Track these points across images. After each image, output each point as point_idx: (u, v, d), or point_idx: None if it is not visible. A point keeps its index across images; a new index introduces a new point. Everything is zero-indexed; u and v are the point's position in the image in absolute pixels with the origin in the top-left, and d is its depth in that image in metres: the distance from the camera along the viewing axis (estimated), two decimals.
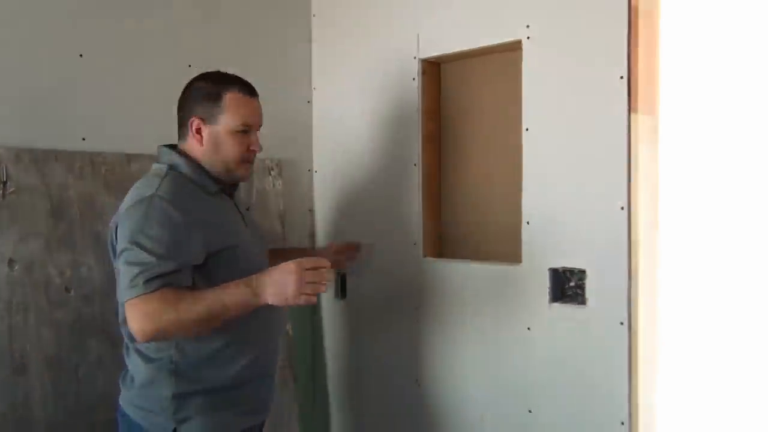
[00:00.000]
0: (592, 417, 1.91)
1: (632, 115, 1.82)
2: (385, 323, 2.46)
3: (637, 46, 1.81)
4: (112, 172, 2.12)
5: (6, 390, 1.87)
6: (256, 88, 1.80)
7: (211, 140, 1.72)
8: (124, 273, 1.56)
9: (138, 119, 2.20)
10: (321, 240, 2.68)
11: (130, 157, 2.16)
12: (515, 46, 2.08)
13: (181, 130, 1.76)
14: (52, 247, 1.98)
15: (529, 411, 2.05)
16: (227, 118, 1.71)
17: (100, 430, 2.04)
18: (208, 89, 1.73)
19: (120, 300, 1.60)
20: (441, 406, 2.28)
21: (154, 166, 1.76)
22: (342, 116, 2.59)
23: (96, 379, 2.04)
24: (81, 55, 2.09)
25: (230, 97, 1.72)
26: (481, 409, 2.17)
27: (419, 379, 2.35)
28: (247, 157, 1.76)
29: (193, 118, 1.72)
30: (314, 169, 2.71)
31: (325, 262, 1.60)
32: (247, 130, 1.74)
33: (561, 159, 1.96)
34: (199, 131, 1.72)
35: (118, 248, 1.60)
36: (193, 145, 1.74)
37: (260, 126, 1.80)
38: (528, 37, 2.02)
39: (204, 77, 1.77)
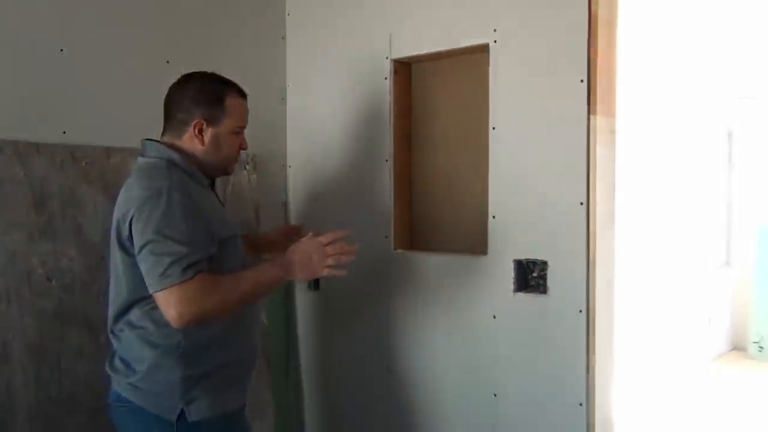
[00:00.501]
0: (553, 399, 2.04)
1: (591, 117, 1.95)
2: (357, 313, 2.55)
3: (596, 52, 1.94)
4: (92, 165, 2.17)
5: None
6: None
7: (213, 141, 1.81)
8: (153, 264, 1.61)
9: (117, 113, 2.25)
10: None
11: (109, 151, 2.21)
12: (483, 49, 2.19)
13: (177, 127, 1.81)
14: (34, 238, 2.03)
15: (494, 395, 2.17)
16: (228, 120, 1.82)
17: (82, 417, 2.09)
18: (209, 93, 1.81)
19: (151, 289, 1.64)
20: (411, 392, 2.39)
21: (143, 159, 1.80)
22: (315, 113, 2.67)
23: (77, 368, 2.09)
24: (62, 50, 2.13)
25: (230, 101, 1.82)
26: (448, 393, 2.28)
27: (390, 366, 2.45)
28: (239, 156, 1.90)
29: (196, 120, 1.79)
30: (288, 164, 2.79)
31: (341, 234, 1.78)
32: (240, 132, 1.87)
33: (525, 157, 2.08)
34: (200, 132, 1.80)
35: (141, 240, 1.64)
36: (191, 144, 1.81)
37: None
38: (495, 41, 2.14)
39: (201, 79, 1.84)
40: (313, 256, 1.75)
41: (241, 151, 1.90)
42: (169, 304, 1.60)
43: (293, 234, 2.36)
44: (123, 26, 2.28)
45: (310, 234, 1.81)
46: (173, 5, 2.41)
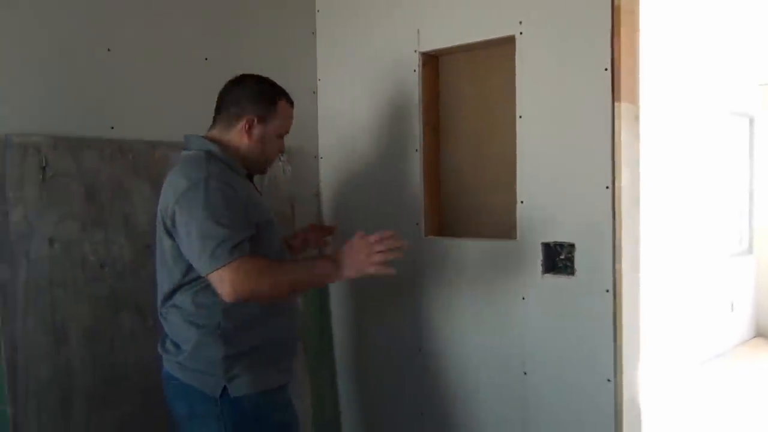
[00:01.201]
0: (581, 376, 2.13)
1: (616, 104, 2.03)
2: (389, 297, 2.65)
3: (620, 41, 2.02)
4: (138, 158, 2.29)
5: (51, 359, 2.05)
6: None
7: (260, 138, 1.92)
8: (201, 247, 1.71)
9: (160, 110, 2.37)
10: (327, 222, 2.87)
11: (153, 145, 2.33)
12: (509, 41, 2.28)
13: (228, 120, 1.92)
14: (87, 228, 2.15)
15: (524, 373, 2.26)
16: (277, 122, 1.95)
17: (135, 398, 2.22)
18: (265, 93, 1.94)
19: (203, 271, 1.73)
20: (442, 371, 2.49)
21: (185, 152, 1.91)
22: (346, 106, 2.77)
23: (129, 350, 2.21)
24: (109, 50, 2.25)
25: (282, 105, 1.96)
26: (480, 372, 2.38)
27: (422, 347, 2.55)
28: (279, 157, 2.06)
29: (249, 116, 1.91)
30: (320, 156, 2.89)
31: (388, 233, 1.84)
32: (283, 135, 2.00)
33: (552, 144, 2.16)
34: (251, 128, 1.91)
35: (185, 227, 1.74)
36: (239, 138, 1.91)
37: None
38: (521, 33, 2.22)
39: (258, 80, 1.96)
40: (361, 254, 1.81)
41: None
42: (224, 280, 1.70)
43: (325, 233, 2.41)
44: (164, 26, 2.39)
45: (361, 233, 1.86)
46: (210, 5, 2.52)
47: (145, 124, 2.33)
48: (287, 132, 2.01)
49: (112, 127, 2.26)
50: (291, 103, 2.00)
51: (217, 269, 1.70)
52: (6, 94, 2.03)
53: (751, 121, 6.79)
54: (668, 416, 4.45)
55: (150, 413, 2.23)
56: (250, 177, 1.99)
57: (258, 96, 1.92)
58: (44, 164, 2.08)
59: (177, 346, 1.86)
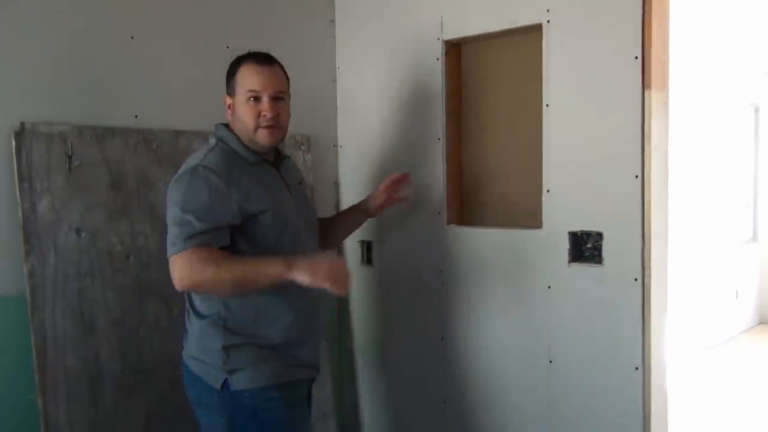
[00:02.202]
0: (608, 364, 2.13)
1: (646, 92, 2.02)
2: (410, 286, 2.65)
3: (650, 29, 2.01)
4: (162, 147, 2.28)
5: (79, 348, 2.04)
6: (276, 58, 1.91)
7: (234, 112, 1.88)
8: (168, 233, 1.74)
9: (183, 98, 2.36)
10: None
11: (177, 134, 2.32)
12: (535, 29, 2.26)
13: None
14: (113, 217, 2.14)
15: (550, 362, 2.26)
16: (239, 88, 1.86)
17: (161, 386, 2.22)
18: (230, 68, 1.91)
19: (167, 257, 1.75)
20: (465, 361, 2.49)
21: (210, 140, 1.92)
22: (365, 94, 2.76)
23: (155, 339, 2.21)
24: (132, 38, 2.23)
25: (242, 70, 1.86)
26: (504, 361, 2.38)
27: (444, 336, 2.55)
28: (262, 123, 1.84)
29: (224, 97, 1.92)
30: (339, 145, 2.88)
31: (342, 263, 1.81)
32: (256, 97, 1.84)
33: (580, 132, 2.16)
34: (230, 107, 1.90)
35: (167, 214, 1.78)
36: (230, 120, 1.92)
37: (277, 91, 1.86)
38: (548, 21, 2.21)
39: (233, 60, 1.93)
40: (320, 267, 1.72)
41: (282, 121, 1.88)
42: (173, 269, 1.71)
43: (399, 185, 2.31)
44: (186, 14, 2.38)
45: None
46: None
47: (168, 112, 2.33)
48: (257, 91, 1.83)
49: (136, 116, 2.25)
50: (259, 60, 1.86)
51: (172, 255, 1.71)
52: (30, 83, 2.03)
53: (757, 110, 6.79)
54: (674, 403, 4.48)
55: (176, 401, 2.22)
56: (277, 163, 1.97)
57: (227, 75, 1.91)
58: (70, 153, 2.06)
59: (190, 334, 1.88)
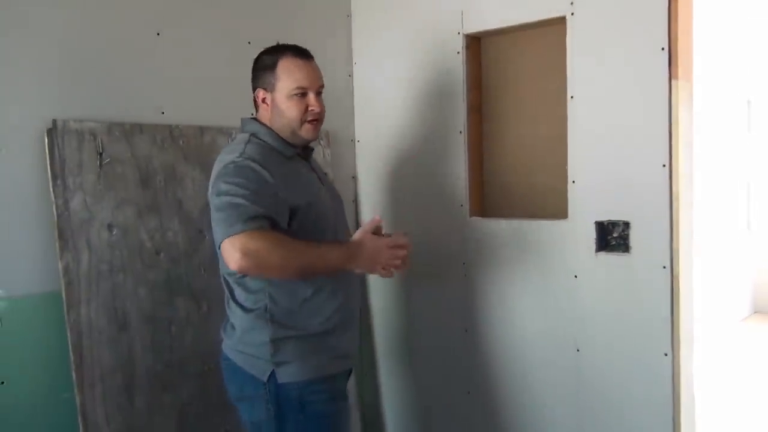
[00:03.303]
0: (637, 351, 2.16)
1: (673, 82, 2.05)
2: (433, 278, 2.67)
3: (677, 20, 2.03)
4: (188, 143, 2.28)
5: (113, 344, 2.04)
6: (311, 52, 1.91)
7: (275, 107, 1.86)
8: (221, 219, 1.68)
9: (207, 94, 2.36)
10: (363, 205, 2.87)
11: (203, 129, 2.32)
12: (558, 21, 2.29)
13: (254, 103, 1.92)
14: (142, 213, 2.14)
15: (577, 350, 2.29)
16: (282, 83, 1.83)
17: (193, 381, 2.22)
18: (264, 61, 1.88)
19: (217, 242, 1.71)
20: (490, 351, 2.52)
21: (238, 135, 1.92)
22: (383, 89, 2.77)
23: (186, 334, 2.21)
24: (158, 34, 2.23)
25: (283, 64, 1.83)
26: (529, 350, 2.40)
27: (468, 328, 2.57)
28: (308, 118, 1.85)
29: (258, 90, 1.89)
30: (357, 139, 2.89)
31: (404, 239, 1.86)
32: (303, 93, 1.84)
33: (605, 123, 2.18)
34: (264, 101, 1.88)
35: (212, 206, 1.74)
36: (264, 115, 1.90)
37: (320, 86, 1.89)
38: (572, 14, 2.23)
39: (263, 51, 1.92)
40: (380, 257, 1.80)
41: (322, 116, 1.90)
42: (234, 247, 1.62)
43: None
44: (210, 11, 2.38)
45: (400, 233, 1.90)
46: None
47: (193, 108, 2.33)
48: (305, 87, 1.84)
49: (163, 112, 2.24)
50: (301, 54, 1.86)
51: (230, 236, 1.64)
52: (59, 81, 2.02)
53: (749, 103, 6.87)
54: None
55: (208, 397, 2.24)
56: (306, 155, 1.97)
57: (259, 68, 1.88)
58: (101, 150, 2.06)
59: (233, 327, 1.86)
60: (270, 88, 1.86)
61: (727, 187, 6.50)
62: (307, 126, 1.86)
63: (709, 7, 4.66)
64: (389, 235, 1.89)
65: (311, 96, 1.85)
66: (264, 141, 1.85)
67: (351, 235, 1.95)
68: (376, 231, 1.86)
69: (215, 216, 1.72)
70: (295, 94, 1.83)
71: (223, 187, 1.71)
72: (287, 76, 1.83)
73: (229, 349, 1.87)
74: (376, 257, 1.80)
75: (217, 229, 1.71)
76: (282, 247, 1.67)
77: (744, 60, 6.34)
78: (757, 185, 6.94)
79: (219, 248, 1.70)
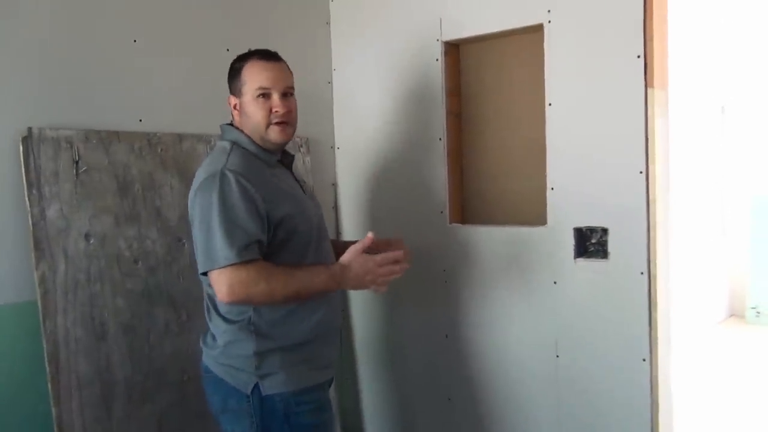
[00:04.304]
0: (615, 356, 2.18)
1: (649, 90, 2.08)
2: (413, 286, 2.66)
3: (651, 28, 2.06)
4: (167, 151, 2.26)
5: (91, 355, 2.02)
6: (278, 54, 1.87)
7: (243, 112, 1.83)
8: (205, 244, 1.67)
9: (185, 101, 2.35)
10: (343, 212, 2.87)
11: (181, 137, 2.30)
12: (535, 29, 2.31)
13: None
14: (120, 222, 2.12)
15: (557, 356, 2.30)
16: (246, 86, 1.81)
17: (172, 391, 2.20)
18: (234, 67, 1.88)
19: (201, 269, 1.72)
20: (471, 357, 2.52)
21: (219, 143, 1.89)
22: (363, 95, 2.78)
23: (165, 343, 2.19)
24: (135, 41, 2.21)
25: (248, 67, 1.83)
26: (510, 356, 2.42)
27: (449, 335, 2.58)
28: (273, 120, 1.81)
29: (229, 97, 1.88)
30: (336, 146, 2.89)
31: (393, 256, 1.80)
32: (266, 94, 1.81)
33: (584, 130, 2.21)
34: (235, 107, 1.87)
35: (196, 221, 1.72)
36: (237, 121, 1.88)
37: (286, 87, 1.84)
38: (549, 21, 2.25)
39: (234, 59, 1.90)
40: (368, 275, 1.77)
41: (292, 117, 1.86)
42: (222, 282, 1.65)
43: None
44: (188, 17, 2.37)
45: (399, 241, 1.93)
46: None
47: (171, 116, 2.32)
48: (267, 88, 1.80)
49: (141, 120, 2.23)
50: (265, 56, 1.84)
51: (217, 269, 1.66)
52: (35, 88, 2.00)
53: (723, 109, 6.98)
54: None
55: (187, 406, 2.22)
56: (288, 163, 1.96)
57: (229, 75, 1.88)
58: (77, 158, 2.04)
59: (214, 339, 1.84)
60: (238, 94, 1.85)
61: (702, 194, 6.59)
62: (273, 128, 1.82)
63: (683, 15, 4.74)
64: (388, 241, 1.92)
65: (275, 97, 1.82)
66: (246, 149, 1.83)
67: (331, 242, 1.97)
68: (374, 246, 1.82)
69: (199, 237, 1.70)
70: (259, 95, 1.81)
71: (206, 205, 1.69)
72: (250, 79, 1.81)
73: (211, 361, 1.84)
74: (365, 278, 1.77)
75: (201, 255, 1.70)
76: (267, 280, 1.67)
77: (718, 66, 6.45)
78: (731, 191, 7.04)
79: (203, 274, 1.72)
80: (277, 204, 1.76)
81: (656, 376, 2.12)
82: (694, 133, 6.32)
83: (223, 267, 1.65)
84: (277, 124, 1.82)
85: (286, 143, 1.90)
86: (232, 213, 1.67)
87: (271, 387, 1.77)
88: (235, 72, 1.86)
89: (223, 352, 1.80)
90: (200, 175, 1.78)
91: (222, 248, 1.65)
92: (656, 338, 2.11)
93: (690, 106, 6.22)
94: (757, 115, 6.86)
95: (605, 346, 2.20)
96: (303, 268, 1.76)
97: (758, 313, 6.76)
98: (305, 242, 1.84)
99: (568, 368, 2.28)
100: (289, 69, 1.90)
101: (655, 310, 2.11)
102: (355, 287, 1.81)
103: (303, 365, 1.83)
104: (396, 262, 1.81)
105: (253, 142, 1.84)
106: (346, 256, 1.78)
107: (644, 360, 2.12)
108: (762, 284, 6.76)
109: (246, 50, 1.92)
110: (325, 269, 1.77)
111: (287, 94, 1.86)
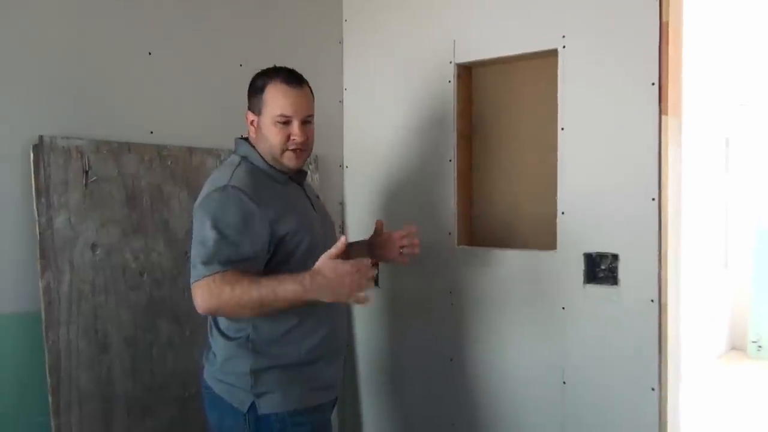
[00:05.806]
0: (623, 385, 2.15)
1: (663, 117, 2.07)
2: (419, 307, 2.64)
3: (667, 56, 2.06)
4: (177, 163, 2.25)
5: (93, 367, 1.99)
6: (303, 76, 1.85)
7: (260, 131, 1.81)
8: (194, 258, 1.67)
9: (197, 115, 2.34)
10: (350, 231, 2.85)
11: (191, 150, 2.29)
12: (549, 54, 2.31)
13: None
14: (127, 234, 2.10)
15: (563, 382, 2.27)
16: (267, 108, 1.79)
17: (173, 406, 2.17)
18: (256, 83, 1.85)
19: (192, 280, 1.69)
20: (475, 381, 2.49)
21: (231, 156, 1.88)
22: (373, 115, 2.77)
23: (167, 358, 2.17)
24: (150, 53, 2.21)
25: (271, 89, 1.79)
26: (515, 382, 2.38)
27: (453, 357, 2.55)
28: (290, 147, 1.80)
29: (248, 113, 1.86)
30: (345, 165, 2.88)
31: (365, 262, 1.69)
32: (287, 121, 1.79)
33: (596, 156, 2.20)
34: (252, 123, 1.84)
35: (193, 235, 1.71)
36: (252, 137, 1.86)
37: (307, 116, 1.83)
38: (564, 47, 2.25)
39: (258, 72, 1.87)
40: (345, 282, 1.65)
41: (308, 145, 1.85)
42: (195, 295, 1.65)
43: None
44: (203, 32, 2.37)
45: (338, 261, 1.68)
46: (245, 14, 2.51)
47: (183, 129, 2.31)
48: (288, 116, 1.78)
49: (152, 132, 2.22)
50: (290, 81, 1.80)
51: (194, 281, 1.66)
52: (48, 97, 1.99)
53: (727, 141, 6.99)
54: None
55: (189, 423, 2.18)
56: (300, 180, 1.94)
57: (250, 90, 1.85)
58: (87, 168, 2.03)
59: (214, 355, 1.82)
60: (257, 112, 1.82)
61: (705, 225, 6.57)
62: (288, 154, 1.81)
63: (690, 45, 4.76)
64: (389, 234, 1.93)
65: (295, 125, 1.80)
66: (255, 165, 1.81)
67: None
68: (362, 250, 1.77)
69: (192, 251, 1.70)
70: (279, 122, 1.78)
71: (203, 218, 1.69)
72: (272, 102, 1.79)
73: (209, 377, 1.82)
74: (340, 285, 1.65)
75: (191, 268, 1.69)
76: (232, 287, 1.62)
77: (723, 98, 6.48)
78: (734, 224, 7.03)
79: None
80: (281, 220, 1.75)
81: (665, 406, 2.09)
82: (698, 164, 6.33)
83: (197, 281, 1.65)
84: (292, 150, 1.81)
85: (299, 168, 1.89)
86: (227, 230, 1.66)
87: (268, 406, 1.74)
88: (256, 90, 1.83)
89: (221, 368, 1.78)
90: (205, 189, 1.77)
91: (205, 262, 1.64)
92: (666, 367, 2.09)
93: (695, 136, 6.23)
94: (762, 149, 6.87)
95: (613, 374, 2.17)
96: (272, 276, 1.68)
97: (759, 347, 6.72)
98: (310, 258, 1.77)
99: (575, 395, 2.25)
100: (311, 93, 1.88)
101: (665, 339, 2.08)
102: (329, 295, 1.66)
103: (302, 385, 1.80)
104: (373, 266, 1.71)
105: (264, 160, 1.83)
106: (317, 263, 1.68)
107: (653, 389, 2.09)
108: (764, 318, 6.73)
109: (259, 66, 1.90)
110: (293, 276, 1.66)
111: (308, 121, 1.84)
